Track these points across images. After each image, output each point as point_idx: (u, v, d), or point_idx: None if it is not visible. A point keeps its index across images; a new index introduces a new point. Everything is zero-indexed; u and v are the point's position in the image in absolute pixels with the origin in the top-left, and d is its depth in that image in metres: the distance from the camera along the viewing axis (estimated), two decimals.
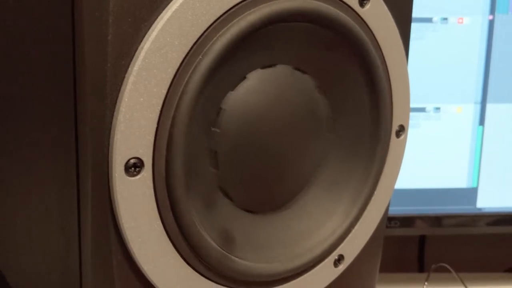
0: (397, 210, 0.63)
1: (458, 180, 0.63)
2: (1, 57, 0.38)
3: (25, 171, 0.37)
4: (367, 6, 0.35)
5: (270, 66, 0.34)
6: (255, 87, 0.33)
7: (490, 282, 0.69)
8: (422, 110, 0.61)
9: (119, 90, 0.29)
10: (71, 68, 0.29)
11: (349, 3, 0.34)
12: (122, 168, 0.29)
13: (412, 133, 0.61)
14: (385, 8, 0.36)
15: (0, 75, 0.38)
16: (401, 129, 0.40)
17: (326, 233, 0.37)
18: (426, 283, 0.63)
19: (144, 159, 0.30)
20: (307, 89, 0.35)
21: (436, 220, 0.64)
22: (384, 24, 0.37)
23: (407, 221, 0.64)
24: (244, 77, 0.33)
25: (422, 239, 0.75)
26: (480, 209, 0.64)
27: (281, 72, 0.34)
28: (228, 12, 0.30)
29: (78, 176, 0.31)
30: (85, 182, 0.30)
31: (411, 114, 0.53)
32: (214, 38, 0.30)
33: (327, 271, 0.39)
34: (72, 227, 0.32)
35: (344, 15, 0.34)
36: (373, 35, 0.36)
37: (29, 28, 0.34)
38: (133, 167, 0.29)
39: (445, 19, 0.59)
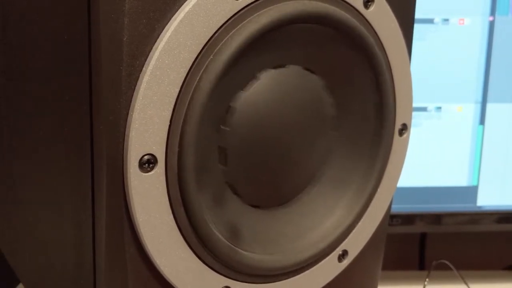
0: (399, 208, 0.63)
1: (458, 178, 0.64)
2: (17, 57, 0.38)
3: (39, 167, 0.38)
4: (372, 8, 0.36)
5: (280, 66, 0.34)
6: (264, 86, 0.34)
7: (491, 280, 0.70)
8: (423, 109, 0.62)
9: (133, 89, 0.30)
10: (87, 67, 0.30)
11: (354, 4, 0.35)
12: (136, 164, 0.30)
13: (413, 132, 0.61)
14: (388, 9, 0.37)
15: (17, 75, 0.39)
16: (404, 128, 0.40)
17: (330, 229, 0.38)
18: (427, 279, 0.63)
19: (157, 155, 0.30)
20: (315, 88, 0.36)
21: (437, 218, 0.64)
22: (387, 25, 0.37)
23: (408, 219, 0.64)
24: (254, 77, 0.33)
25: (423, 237, 0.76)
26: (480, 207, 0.65)
27: (291, 72, 0.35)
28: (239, 14, 0.31)
29: (93, 172, 0.31)
30: (100, 177, 0.31)
31: (413, 113, 0.54)
32: (225, 39, 0.31)
33: (331, 266, 0.40)
34: (86, 221, 0.33)
35: (350, 16, 0.35)
36: (377, 36, 0.37)
37: (44, 29, 0.35)
38: (147, 163, 0.30)
39: (446, 20, 0.60)
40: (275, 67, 0.34)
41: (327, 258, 0.39)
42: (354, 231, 0.39)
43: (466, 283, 0.63)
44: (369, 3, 0.36)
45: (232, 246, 0.34)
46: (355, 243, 0.40)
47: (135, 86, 0.30)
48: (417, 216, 0.64)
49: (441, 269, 0.63)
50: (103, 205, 0.31)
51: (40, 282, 0.42)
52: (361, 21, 0.36)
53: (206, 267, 0.34)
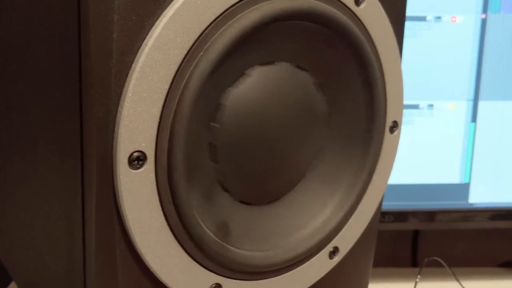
0: (391, 205, 0.63)
1: (450, 175, 0.64)
2: (6, 54, 0.38)
3: (29, 165, 0.38)
4: (363, 5, 0.36)
5: (269, 63, 0.34)
6: (255, 83, 0.34)
7: (483, 277, 0.70)
8: (415, 107, 0.62)
9: (123, 86, 0.29)
10: (76, 64, 0.30)
11: (345, 2, 0.35)
12: (126, 161, 0.30)
13: (405, 130, 0.62)
14: (380, 7, 0.37)
15: (7, 72, 0.39)
16: (395, 125, 0.40)
17: (320, 225, 0.38)
18: (419, 276, 0.63)
19: (147, 152, 0.30)
20: (305, 85, 0.36)
21: (429, 215, 0.64)
22: (379, 22, 0.37)
23: (400, 216, 0.64)
24: (244, 74, 0.33)
25: (415, 234, 0.76)
26: (472, 204, 0.65)
27: (280, 69, 0.35)
28: (229, 10, 0.31)
29: (83, 169, 0.31)
30: (90, 174, 0.31)
31: (405, 111, 0.54)
32: (215, 36, 0.31)
33: (322, 263, 0.40)
34: (76, 218, 0.33)
35: (341, 14, 0.34)
36: (368, 33, 0.37)
37: (34, 25, 0.34)
38: (136, 160, 0.30)
39: (439, 17, 0.60)
40: (265, 64, 0.34)
41: (318, 255, 0.39)
42: (345, 228, 0.39)
43: (457, 280, 0.64)
44: (360, 1, 0.36)
45: (223, 243, 0.34)
46: (346, 240, 0.40)
47: (124, 82, 0.30)
48: (409, 213, 0.64)
49: (433, 266, 0.64)
50: (93, 202, 0.31)
51: (32, 280, 0.42)
52: (352, 19, 0.36)
53: (196, 264, 0.34)
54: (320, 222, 0.38)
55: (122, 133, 0.30)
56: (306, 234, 0.37)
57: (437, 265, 0.63)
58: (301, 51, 0.35)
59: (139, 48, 0.29)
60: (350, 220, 0.40)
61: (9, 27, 0.37)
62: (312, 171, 0.38)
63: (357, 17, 0.36)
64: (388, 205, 0.63)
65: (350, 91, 0.38)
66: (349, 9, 0.36)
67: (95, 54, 0.29)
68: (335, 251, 0.40)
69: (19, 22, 0.36)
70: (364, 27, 0.37)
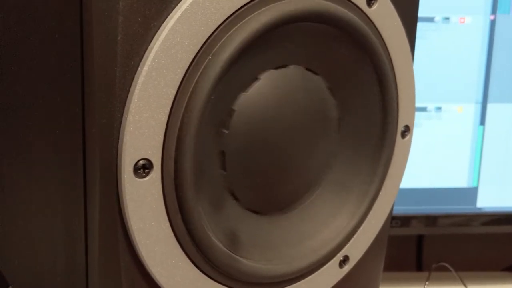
0: (398, 209, 0.63)
1: (458, 179, 0.63)
2: (6, 57, 0.37)
3: (30, 171, 0.37)
4: (375, 6, 0.35)
5: (281, 66, 0.33)
6: (266, 88, 0.33)
7: (489, 281, 0.69)
8: (423, 109, 0.61)
9: (128, 91, 0.28)
10: (79, 68, 0.29)
11: (357, 3, 0.34)
12: (131, 169, 0.29)
13: (413, 133, 0.61)
14: (392, 8, 0.36)
15: (7, 75, 0.38)
16: (407, 130, 0.40)
17: (332, 234, 0.37)
18: (427, 282, 0.63)
19: (153, 160, 0.29)
20: (317, 89, 0.35)
21: (437, 220, 0.64)
22: (391, 24, 0.36)
23: (407, 220, 0.64)
24: (255, 78, 0.32)
25: (420, 239, 0.75)
26: (480, 208, 0.64)
27: (292, 73, 0.34)
28: (238, 12, 0.30)
29: (85, 177, 0.30)
30: (93, 183, 0.30)
31: None
32: (224, 38, 0.30)
33: (332, 272, 0.39)
34: (78, 228, 0.32)
35: (352, 15, 0.34)
36: (380, 35, 0.36)
37: (34, 28, 0.33)
38: (142, 168, 0.29)
39: (447, 18, 0.59)
40: (276, 68, 0.33)
41: (328, 264, 0.38)
42: (355, 236, 0.39)
43: (464, 285, 0.63)
44: (372, 2, 0.35)
45: (231, 254, 0.33)
46: (357, 248, 0.39)
47: (129, 87, 0.28)
48: (415, 217, 0.64)
49: (439, 270, 0.63)
50: (96, 212, 0.30)
51: None
52: (364, 20, 0.35)
53: (204, 276, 0.33)
54: (331, 231, 0.37)
55: (127, 140, 0.29)
56: (317, 244, 0.36)
57: (443, 269, 0.62)
58: (312, 54, 0.34)
59: (144, 51, 0.28)
60: (361, 228, 0.39)
61: (8, 27, 0.36)
62: (323, 178, 0.37)
63: (369, 18, 0.35)
64: (395, 210, 0.62)
65: (361, 95, 0.37)
66: (361, 10, 0.35)
67: (98, 57, 0.28)
68: (345, 260, 0.39)
69: (19, 23, 0.35)
70: (376, 28, 0.36)
